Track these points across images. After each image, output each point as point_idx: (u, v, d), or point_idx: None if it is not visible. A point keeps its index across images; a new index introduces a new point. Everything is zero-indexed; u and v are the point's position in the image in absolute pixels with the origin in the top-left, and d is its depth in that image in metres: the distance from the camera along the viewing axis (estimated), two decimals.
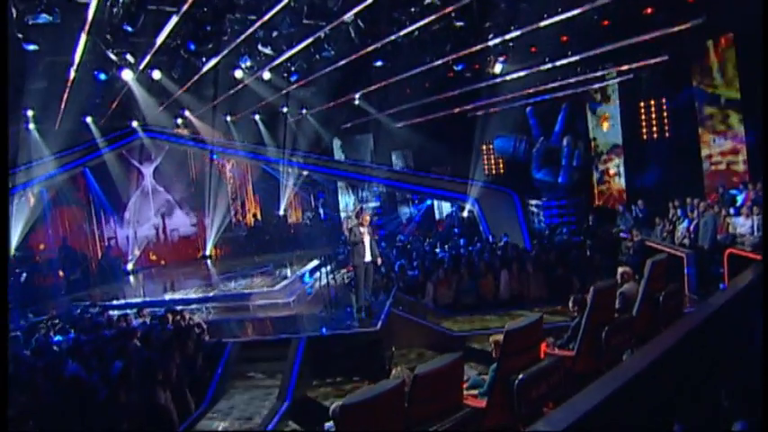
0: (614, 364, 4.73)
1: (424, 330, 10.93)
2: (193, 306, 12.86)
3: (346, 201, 23.17)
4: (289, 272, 15.69)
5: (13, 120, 15.25)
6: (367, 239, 9.83)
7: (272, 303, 12.52)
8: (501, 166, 20.85)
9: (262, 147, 21.28)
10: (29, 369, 7.95)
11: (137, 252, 20.16)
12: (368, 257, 9.85)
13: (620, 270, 7.82)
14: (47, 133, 16.78)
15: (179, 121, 19.77)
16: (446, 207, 22.67)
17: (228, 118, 20.31)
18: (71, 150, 18.04)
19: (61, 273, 17.42)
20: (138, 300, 13.81)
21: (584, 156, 17.51)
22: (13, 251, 17.17)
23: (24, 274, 16.59)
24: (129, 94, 15.53)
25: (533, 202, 18.36)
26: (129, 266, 19.22)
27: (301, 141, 21.69)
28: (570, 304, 7.16)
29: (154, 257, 20.70)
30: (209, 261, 20.70)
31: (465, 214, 19.85)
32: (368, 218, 9.98)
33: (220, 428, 8.03)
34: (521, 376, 4.50)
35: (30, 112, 15.55)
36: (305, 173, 21.88)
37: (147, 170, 21.28)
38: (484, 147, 20.82)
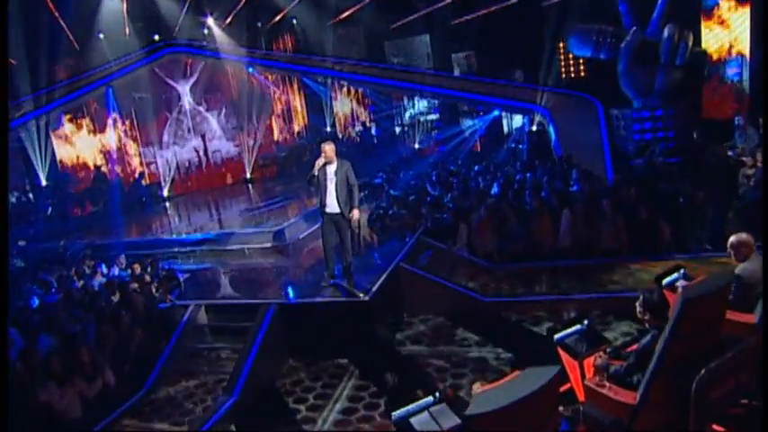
0: None
1: (444, 292, 8.07)
2: (188, 249, 10.84)
3: (404, 114, 19.98)
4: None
5: None
6: (332, 182, 6.95)
7: (271, 248, 10.13)
8: (581, 67, 16.54)
9: (302, 56, 18.32)
10: None
11: (175, 177, 18.52)
12: (332, 208, 7.03)
13: (732, 240, 4.60)
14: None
15: (206, 31, 17.22)
16: (518, 120, 18.88)
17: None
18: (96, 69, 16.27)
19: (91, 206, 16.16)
20: (136, 239, 11.99)
21: (691, 51, 12.95)
22: (44, 181, 16.11)
23: (50, 208, 15.43)
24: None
25: (617, 112, 14.24)
26: (165, 193, 17.67)
27: (347, 48, 18.51)
28: (638, 305, 4.15)
29: (194, 182, 19.00)
30: (249, 185, 18.67)
31: (534, 128, 16.08)
32: (329, 150, 6.98)
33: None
34: (702, 372, 3.30)
35: None
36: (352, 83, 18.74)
37: (183, 88, 19.16)
38: (561, 44, 16.53)
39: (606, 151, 13.43)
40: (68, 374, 6.08)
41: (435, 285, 8.17)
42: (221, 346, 7.44)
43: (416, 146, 18.67)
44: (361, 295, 6.93)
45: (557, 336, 4.64)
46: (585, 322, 4.75)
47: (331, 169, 7.01)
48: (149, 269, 8.81)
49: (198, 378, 7.03)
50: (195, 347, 7.46)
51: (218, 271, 9.58)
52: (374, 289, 7.14)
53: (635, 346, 4.21)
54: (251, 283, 8.60)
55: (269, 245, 10.15)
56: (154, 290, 8.09)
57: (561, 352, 4.56)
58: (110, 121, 17.69)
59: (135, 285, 7.99)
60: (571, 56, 16.49)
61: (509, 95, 16.57)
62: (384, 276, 7.57)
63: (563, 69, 16.63)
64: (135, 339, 6.96)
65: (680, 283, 5.14)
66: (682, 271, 5.25)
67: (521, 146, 15.86)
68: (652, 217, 8.43)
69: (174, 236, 11.70)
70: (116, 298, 7.91)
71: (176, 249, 11.05)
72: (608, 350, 4.47)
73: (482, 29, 17.43)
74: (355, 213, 7.29)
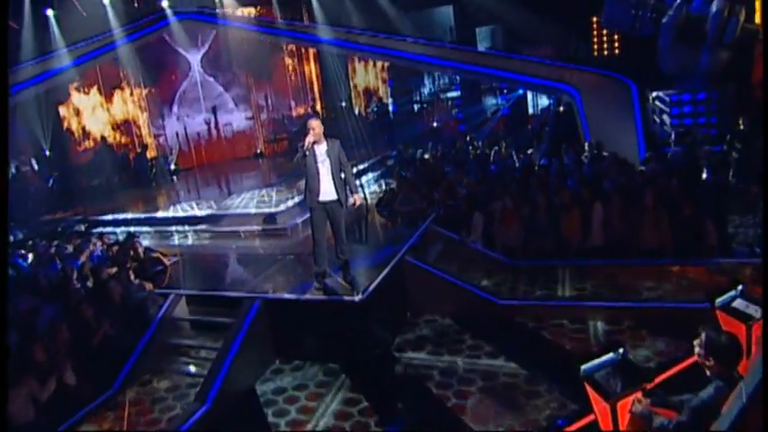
0: None
1: (454, 291, 7.12)
2: (184, 228, 10.04)
3: (422, 89, 18.82)
4: None
5: None
6: (324, 164, 5.99)
7: (269, 231, 9.26)
8: (615, 44, 15.17)
9: (317, 25, 17.19)
10: None
11: (184, 149, 17.72)
12: (326, 195, 6.07)
13: None
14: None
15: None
16: (544, 101, 17.64)
17: None
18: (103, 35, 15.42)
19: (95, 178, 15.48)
20: (129, 216, 11.21)
21: (742, 27, 11.56)
22: (48, 152, 15.44)
23: (52, 180, 14.76)
24: None
25: (656, 94, 12.94)
26: (173, 166, 16.84)
27: (363, 17, 17.32)
28: (699, 346, 3.20)
29: (204, 155, 18.19)
30: (260, 160, 17.81)
31: (561, 109, 14.85)
32: (317, 127, 5.99)
33: None
34: None
35: None
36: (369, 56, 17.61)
37: (195, 58, 18.23)
38: (594, 19, 15.17)
39: (640, 138, 12.21)
40: (19, 373, 5.33)
41: (443, 282, 7.23)
42: (201, 344, 6.63)
43: (434, 124, 17.54)
44: (357, 296, 6.02)
45: (584, 367, 3.71)
46: (620, 351, 3.79)
47: (321, 149, 5.99)
48: (131, 252, 8.00)
49: (171, 379, 6.25)
50: (172, 343, 6.66)
51: (209, 255, 8.76)
52: (372, 286, 6.23)
53: (687, 396, 3.25)
54: (240, 272, 7.75)
55: (265, 228, 9.27)
56: (133, 276, 7.29)
57: (589, 390, 3.62)
58: (117, 91, 16.91)
59: (112, 271, 7.20)
60: (605, 31, 15.14)
61: (535, 73, 15.29)
62: (386, 271, 6.65)
63: (595, 46, 15.27)
64: (101, 333, 6.17)
65: (738, 304, 4.17)
66: (740, 288, 4.26)
67: (546, 128, 14.66)
68: (696, 213, 7.33)
69: (171, 213, 10.87)
70: (90, 284, 7.14)
71: (173, 229, 10.27)
72: (648, 391, 3.52)
73: (510, 2, 16.09)
74: (357, 199, 6.37)
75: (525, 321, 6.66)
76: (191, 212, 10.74)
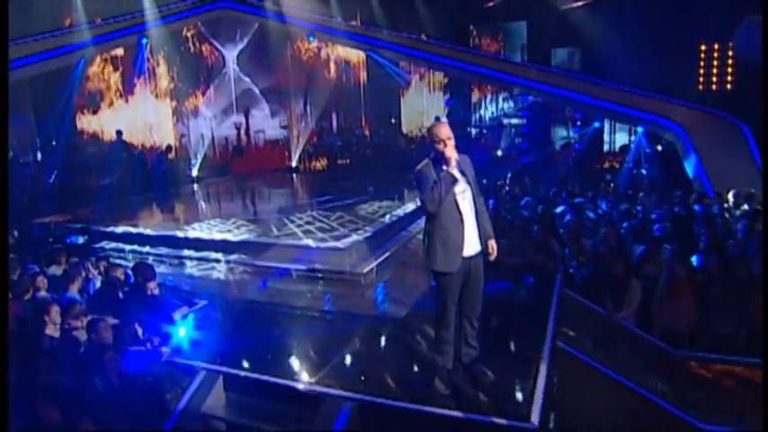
0: None
1: (624, 400, 4.61)
2: (209, 255, 7.59)
3: (483, 111, 16.56)
4: (384, 209, 9.76)
5: None
6: (465, 198, 3.78)
7: (333, 274, 6.78)
8: (727, 76, 12.83)
9: (374, 28, 15.01)
10: None
11: (209, 154, 15.43)
12: (471, 246, 3.83)
13: None
14: None
15: None
16: (621, 136, 15.33)
17: None
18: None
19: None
20: (141, 230, 8.74)
21: None
22: (54, 142, 13.10)
23: (55, 174, 12.39)
24: None
25: None
26: (195, 172, 14.56)
27: (428, 24, 15.19)
28: None
29: (229, 163, 15.86)
30: (294, 175, 15.45)
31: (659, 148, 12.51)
32: (451, 138, 3.73)
33: None
34: None
35: None
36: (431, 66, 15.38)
37: (230, 54, 16.13)
38: (703, 46, 12.87)
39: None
40: None
41: (609, 384, 4.73)
42: None
43: (498, 152, 15.21)
44: (529, 420, 3.53)
45: None
46: None
47: (457, 174, 3.75)
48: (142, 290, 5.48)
49: None
50: None
51: (251, 303, 6.22)
52: (538, 400, 3.75)
53: None
54: (306, 342, 5.19)
55: (330, 270, 6.80)
56: (140, 331, 4.79)
57: None
58: (139, 80, 14.65)
59: (112, 322, 4.68)
60: (715, 62, 12.82)
61: (627, 102, 12.98)
62: (544, 367, 4.17)
63: (701, 78, 12.94)
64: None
65: None
66: None
67: (642, 170, 12.25)
68: None
69: (195, 233, 8.41)
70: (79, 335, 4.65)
71: (196, 254, 7.81)
72: None
73: (595, 18, 13.86)
74: (494, 247, 3.98)
75: None
76: (221, 235, 8.28)
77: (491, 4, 14.85)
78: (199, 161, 14.57)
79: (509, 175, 11.78)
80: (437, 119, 16.76)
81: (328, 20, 14.99)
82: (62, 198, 11.69)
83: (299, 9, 14.51)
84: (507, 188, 11.07)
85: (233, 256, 7.55)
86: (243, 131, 16.24)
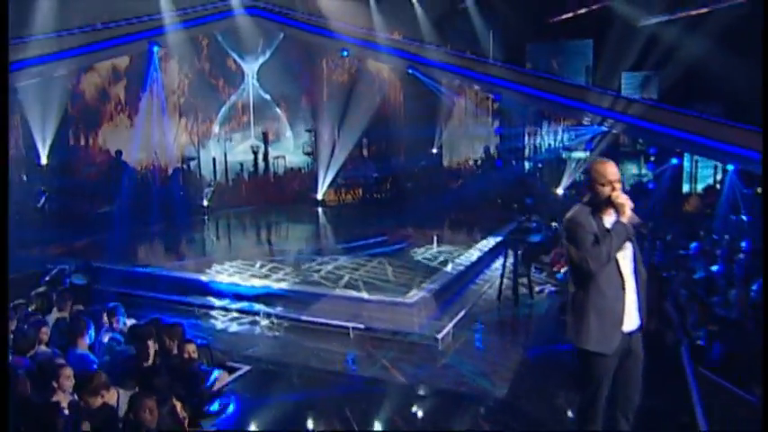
0: None
1: None
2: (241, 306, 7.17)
3: (538, 142, 16.29)
4: (442, 255, 9.34)
5: None
6: (626, 258, 3.53)
7: (400, 336, 6.30)
8: None
9: (416, 44, 14.87)
10: None
11: (222, 182, 15.19)
12: (632, 321, 3.53)
13: None
14: None
15: None
16: (703, 174, 14.97)
17: None
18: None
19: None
20: (158, 271, 8.35)
21: None
22: (45, 159, 12.85)
23: (44, 198, 12.12)
24: None
25: None
26: (206, 202, 14.26)
27: (477, 40, 15.10)
28: None
29: (245, 193, 15.60)
30: (320, 209, 15.12)
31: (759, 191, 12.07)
32: (617, 179, 3.49)
33: None
34: None
35: None
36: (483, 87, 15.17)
37: (251, 67, 16.04)
38: None
39: None
40: None
41: None
42: None
43: (558, 191, 14.83)
44: None
45: None
46: None
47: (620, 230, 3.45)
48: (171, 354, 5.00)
49: None
50: None
51: (306, 372, 5.72)
52: None
53: None
54: (377, 419, 4.70)
55: (396, 331, 6.33)
56: (180, 406, 4.31)
57: None
58: (145, 94, 14.48)
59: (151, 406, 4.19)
60: None
61: (716, 135, 12.57)
62: None
63: None
64: None
65: None
66: None
67: (743, 216, 11.78)
68: None
69: (221, 278, 8.01)
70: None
71: (219, 302, 7.39)
72: None
73: (680, 38, 13.59)
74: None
75: None
76: (256, 280, 7.87)
77: (557, 19, 14.71)
78: (213, 189, 14.27)
79: None
80: (486, 150, 16.55)
81: (366, 32, 14.88)
82: (53, 226, 11.41)
83: (333, 19, 14.40)
84: None
85: (272, 308, 7.08)
86: (261, 156, 15.98)
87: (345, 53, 15.59)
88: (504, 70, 14.32)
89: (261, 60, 16.09)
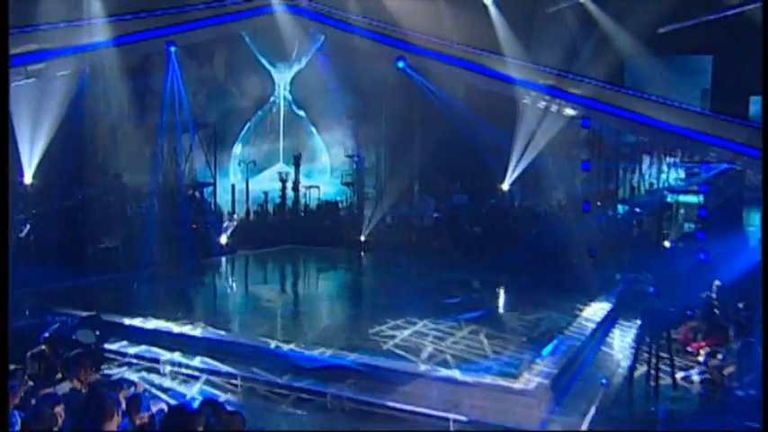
0: None
1: None
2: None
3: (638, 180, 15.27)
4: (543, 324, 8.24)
5: None
6: None
7: None
8: None
9: (491, 55, 14.04)
10: None
11: (243, 216, 14.25)
12: None
13: None
14: None
15: None
16: None
17: None
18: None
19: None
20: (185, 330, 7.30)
21: None
22: (30, 179, 12.00)
23: (27, 228, 11.32)
24: None
25: None
26: (224, 239, 13.36)
27: (566, 53, 14.24)
28: None
29: (270, 229, 14.69)
30: (363, 254, 14.12)
31: None
32: None
33: None
34: None
35: None
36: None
37: (283, 77, 15.46)
38: None
39: None
40: None
41: None
42: None
43: (666, 243, 13.83)
44: None
45: None
46: None
47: None
48: None
49: None
50: None
51: None
52: None
53: None
54: None
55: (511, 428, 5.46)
56: None
57: None
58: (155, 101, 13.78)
59: None
60: None
61: None
62: None
63: None
64: None
65: None
66: None
67: None
68: None
69: (254, 341, 7.03)
70: None
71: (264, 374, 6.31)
72: None
73: None
74: None
75: None
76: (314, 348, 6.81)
77: (667, 28, 13.80)
78: (233, 225, 13.35)
79: (715, 285, 10.08)
80: (570, 189, 15.59)
81: (429, 39, 14.14)
82: (38, 261, 10.72)
83: (395, 23, 13.69)
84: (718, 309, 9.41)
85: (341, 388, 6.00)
86: (290, 185, 15.15)
87: (401, 63, 14.76)
88: (595, 89, 13.45)
89: (296, 69, 15.63)
